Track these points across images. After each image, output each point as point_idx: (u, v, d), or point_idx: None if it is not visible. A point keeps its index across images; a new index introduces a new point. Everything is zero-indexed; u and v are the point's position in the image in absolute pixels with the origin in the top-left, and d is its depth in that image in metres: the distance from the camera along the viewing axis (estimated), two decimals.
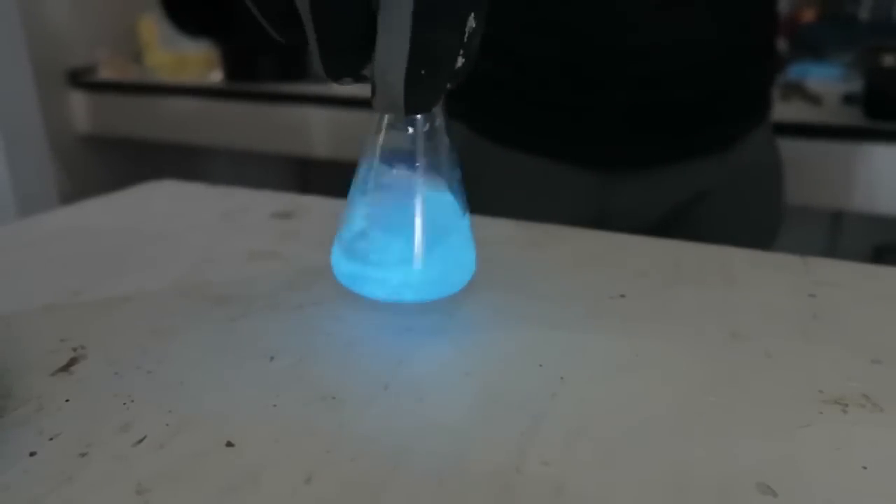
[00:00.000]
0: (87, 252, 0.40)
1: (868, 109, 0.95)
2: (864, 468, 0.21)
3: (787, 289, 0.34)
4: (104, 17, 1.59)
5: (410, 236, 0.28)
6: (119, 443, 0.22)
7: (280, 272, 0.36)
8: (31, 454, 0.21)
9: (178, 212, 0.48)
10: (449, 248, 0.29)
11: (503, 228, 0.44)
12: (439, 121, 0.27)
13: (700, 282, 0.35)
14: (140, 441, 0.22)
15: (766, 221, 0.63)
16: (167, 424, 0.23)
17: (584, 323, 0.31)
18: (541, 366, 0.27)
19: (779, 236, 0.65)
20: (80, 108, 1.56)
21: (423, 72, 0.22)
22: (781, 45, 1.31)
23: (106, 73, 1.57)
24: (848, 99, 1.01)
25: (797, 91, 1.10)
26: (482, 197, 0.40)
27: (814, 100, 1.05)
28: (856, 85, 1.02)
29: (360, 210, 0.28)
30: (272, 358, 0.27)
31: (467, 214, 0.29)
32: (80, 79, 1.55)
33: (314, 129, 1.33)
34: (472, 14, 0.23)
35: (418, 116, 0.27)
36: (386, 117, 0.27)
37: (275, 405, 0.24)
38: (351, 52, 0.22)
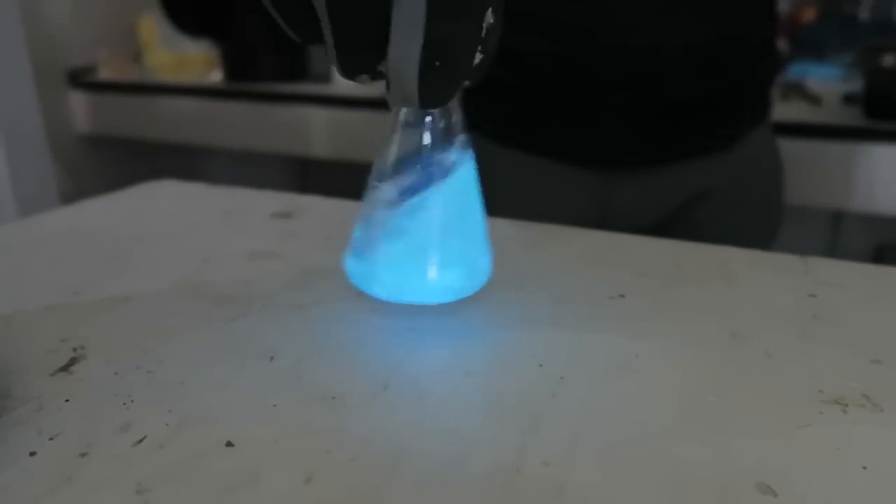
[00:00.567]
0: (87, 252, 0.40)
1: (868, 109, 0.95)
2: (864, 468, 0.21)
3: (787, 289, 0.34)
4: (104, 17, 1.59)
5: (428, 240, 0.27)
6: (119, 443, 0.22)
7: (280, 272, 0.36)
8: (31, 454, 0.21)
9: (178, 212, 0.48)
10: (466, 250, 0.28)
11: (504, 228, 0.44)
12: (456, 117, 0.27)
13: (700, 282, 0.35)
14: (140, 441, 0.22)
15: (767, 221, 0.63)
16: (167, 424, 0.23)
17: (584, 323, 0.31)
18: (541, 366, 0.27)
19: (779, 236, 0.65)
20: (80, 108, 1.56)
21: (437, 64, 0.21)
22: (781, 44, 1.31)
23: (106, 73, 1.57)
24: (848, 99, 1.01)
25: (797, 91, 1.10)
26: (483, 195, 0.40)
27: (814, 100, 1.05)
28: (856, 85, 1.02)
29: (375, 211, 0.28)
30: (272, 358, 0.27)
31: (485, 216, 0.29)
32: (80, 79, 1.55)
33: (314, 129, 1.33)
34: (490, 10, 0.23)
35: (434, 111, 0.26)
36: (401, 115, 0.27)
37: (275, 405, 0.24)
38: (367, 50, 0.22)
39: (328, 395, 0.25)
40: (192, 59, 1.54)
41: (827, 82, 1.18)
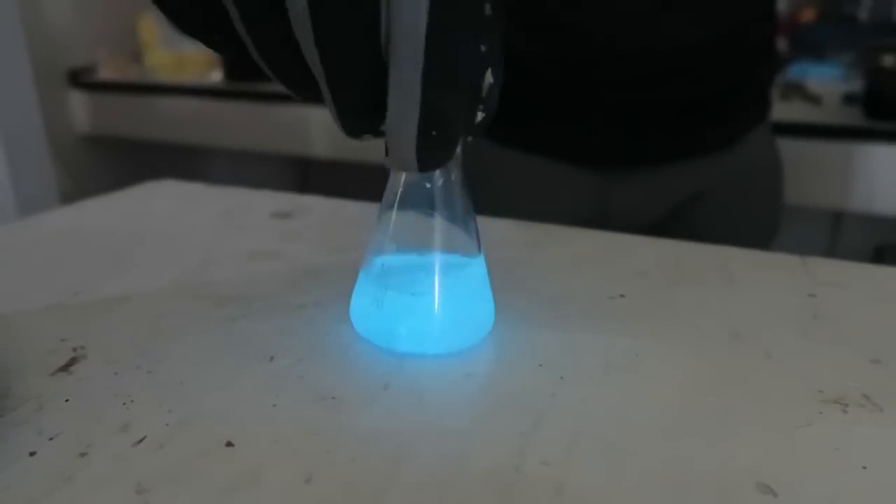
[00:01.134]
0: (87, 252, 0.40)
1: (868, 109, 0.95)
2: (864, 468, 0.21)
3: (787, 289, 0.34)
4: (104, 17, 1.59)
5: (429, 296, 0.27)
6: (119, 443, 0.22)
7: (280, 272, 0.36)
8: (31, 454, 0.21)
9: (178, 212, 0.48)
10: (468, 302, 0.28)
11: (503, 228, 0.44)
12: (455, 174, 0.27)
13: (700, 282, 0.35)
14: (140, 441, 0.22)
15: (766, 221, 0.63)
16: (167, 424, 0.23)
17: (584, 323, 0.31)
18: (541, 366, 0.27)
19: (779, 236, 0.65)
20: (79, 108, 1.56)
21: (434, 132, 0.21)
22: (781, 44, 1.31)
23: (106, 73, 1.57)
24: (848, 99, 1.01)
25: (797, 91, 1.10)
26: (483, 195, 0.40)
27: (814, 100, 1.05)
28: (856, 85, 1.02)
29: (378, 263, 0.28)
30: (272, 358, 0.27)
31: (486, 269, 0.29)
32: (80, 79, 1.55)
33: (314, 129, 1.33)
34: (489, 70, 0.23)
35: (434, 172, 0.27)
36: (401, 174, 0.27)
37: (275, 405, 0.24)
38: (367, 113, 0.22)
39: (328, 395, 0.25)
40: (192, 59, 1.54)
41: (827, 82, 1.18)
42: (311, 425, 0.23)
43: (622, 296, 0.33)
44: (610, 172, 0.57)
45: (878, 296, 0.34)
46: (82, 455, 0.21)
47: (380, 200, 0.28)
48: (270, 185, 0.57)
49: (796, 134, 0.95)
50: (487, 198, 0.49)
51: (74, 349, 0.28)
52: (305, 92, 0.23)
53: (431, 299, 0.27)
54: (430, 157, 0.22)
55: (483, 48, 0.22)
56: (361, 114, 0.22)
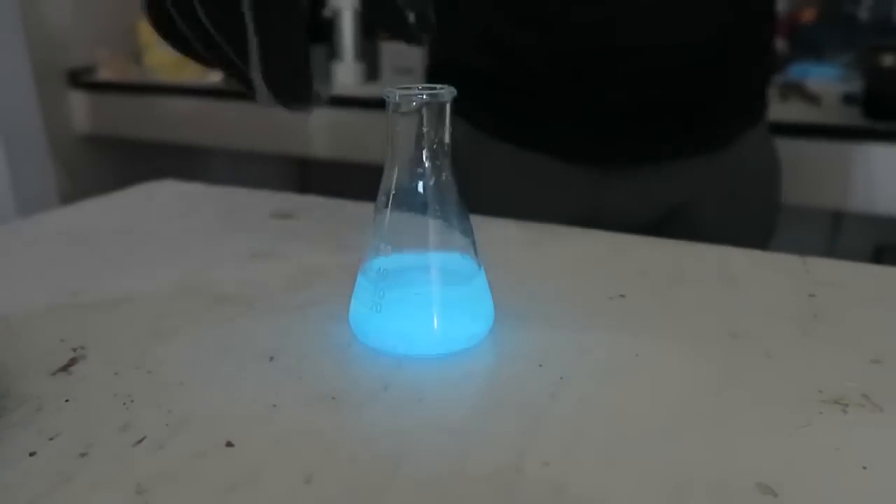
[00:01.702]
0: (87, 252, 0.40)
1: (867, 109, 0.95)
2: (864, 468, 0.21)
3: (787, 289, 0.34)
4: (104, 17, 1.59)
5: (427, 297, 0.27)
6: (119, 443, 0.22)
7: (280, 272, 0.36)
8: (31, 454, 0.21)
9: (178, 212, 0.48)
10: (466, 303, 0.28)
11: (503, 228, 0.44)
12: (447, 174, 0.27)
13: (700, 282, 0.35)
14: (140, 441, 0.22)
15: (762, 222, 0.63)
16: (167, 424, 0.23)
17: (584, 323, 0.31)
18: (541, 366, 0.27)
19: (779, 236, 0.65)
20: (79, 108, 1.56)
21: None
22: (781, 44, 1.31)
23: (106, 74, 1.56)
24: (847, 99, 1.01)
25: (797, 91, 1.10)
26: (478, 190, 0.40)
27: (813, 100, 1.05)
28: (855, 85, 1.02)
29: (375, 267, 0.28)
30: (272, 358, 0.27)
31: (482, 267, 0.29)
32: (80, 79, 1.54)
33: (314, 129, 1.33)
34: None
35: (426, 168, 0.27)
36: (395, 172, 0.27)
37: (275, 405, 0.24)
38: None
39: (328, 395, 0.25)
40: None
41: (826, 82, 1.18)
42: (311, 425, 0.23)
43: (622, 296, 0.33)
44: (603, 170, 0.57)
45: (878, 296, 0.34)
46: (82, 455, 0.21)
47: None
48: (270, 185, 0.57)
49: (796, 134, 0.95)
50: (483, 191, 0.49)
51: (74, 349, 0.28)
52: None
53: (429, 301, 0.27)
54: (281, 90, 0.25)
55: None
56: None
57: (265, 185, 0.56)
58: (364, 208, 0.48)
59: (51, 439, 0.22)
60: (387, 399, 0.25)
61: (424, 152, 0.27)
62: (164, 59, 1.56)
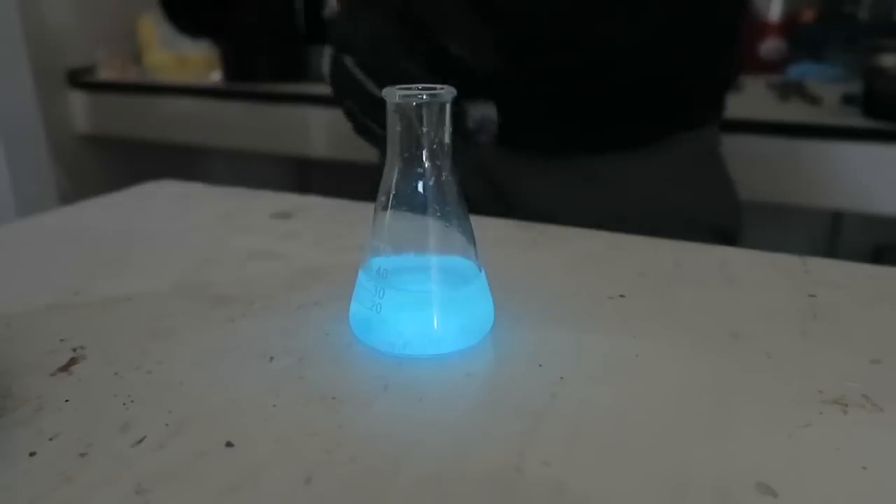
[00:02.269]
0: (87, 252, 0.40)
1: (867, 109, 0.95)
2: (864, 468, 0.21)
3: (787, 289, 0.34)
4: (104, 17, 1.59)
5: (426, 297, 0.27)
6: (119, 443, 0.22)
7: (280, 272, 0.36)
8: (31, 454, 0.21)
9: (178, 212, 0.48)
10: (465, 302, 0.28)
11: (503, 228, 0.44)
12: (447, 174, 0.27)
13: (700, 282, 0.35)
14: (140, 441, 0.22)
15: (688, 218, 0.62)
16: (167, 424, 0.23)
17: (584, 323, 0.31)
18: (541, 366, 0.27)
19: (779, 236, 0.65)
20: (79, 108, 1.56)
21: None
22: (780, 45, 1.31)
23: (105, 74, 1.56)
24: (847, 99, 1.01)
25: (797, 91, 1.10)
26: None
27: (813, 100, 1.05)
28: (855, 85, 1.02)
29: (374, 267, 0.28)
30: (272, 358, 0.27)
31: (482, 268, 0.29)
32: (80, 79, 1.54)
33: (314, 129, 1.33)
34: None
35: (426, 168, 0.27)
36: (395, 173, 0.27)
37: (275, 405, 0.24)
38: None
39: (328, 395, 0.25)
40: (191, 60, 1.54)
41: (826, 82, 1.18)
42: (311, 425, 0.23)
43: (622, 296, 0.33)
44: (523, 157, 0.58)
45: (878, 296, 0.34)
46: (82, 455, 0.21)
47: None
48: (270, 185, 0.57)
49: (796, 134, 0.95)
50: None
51: (74, 349, 0.28)
52: None
53: (429, 301, 0.27)
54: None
55: None
56: None
57: (265, 185, 0.56)
58: (364, 208, 0.47)
59: (51, 439, 0.22)
60: (387, 399, 0.25)
61: (424, 152, 0.27)
62: (163, 59, 1.56)
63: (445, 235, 0.28)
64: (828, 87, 1.12)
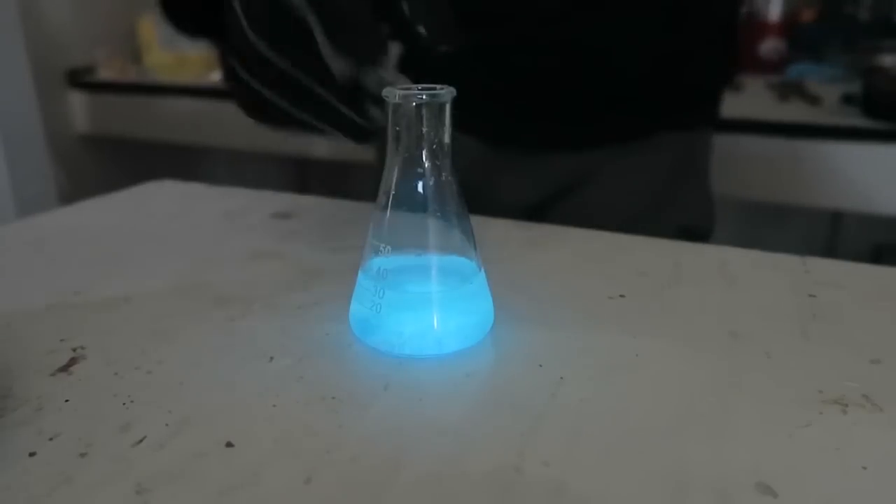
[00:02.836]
0: (87, 252, 0.40)
1: (867, 109, 0.95)
2: (864, 468, 0.21)
3: (787, 289, 0.34)
4: (104, 17, 1.59)
5: (427, 297, 0.27)
6: (119, 443, 0.22)
7: (280, 272, 0.36)
8: (31, 454, 0.21)
9: (178, 212, 0.48)
10: (466, 302, 0.28)
11: (503, 228, 0.44)
12: (446, 174, 0.27)
13: (700, 282, 0.35)
14: (140, 441, 0.22)
15: (663, 214, 0.62)
16: (167, 424, 0.23)
17: (584, 323, 0.31)
18: (541, 366, 0.27)
19: (779, 236, 0.65)
20: (79, 108, 1.56)
21: None
22: (780, 45, 1.31)
23: (105, 74, 1.56)
24: (847, 99, 1.01)
25: (796, 91, 1.10)
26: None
27: (813, 100, 1.05)
28: (855, 85, 1.02)
29: (374, 267, 0.28)
30: (272, 358, 0.27)
31: (482, 267, 0.29)
32: (80, 79, 1.54)
33: None
34: None
35: (426, 168, 0.27)
36: (395, 172, 0.27)
37: (275, 405, 0.24)
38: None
39: (328, 395, 0.25)
40: (191, 60, 1.54)
41: (826, 82, 1.18)
42: (311, 425, 0.23)
43: (622, 296, 0.33)
44: (499, 150, 0.58)
45: (878, 296, 0.34)
46: (82, 455, 0.21)
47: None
48: (270, 185, 0.57)
49: (796, 134, 0.95)
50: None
51: (74, 349, 0.28)
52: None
53: (429, 301, 0.27)
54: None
55: None
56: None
57: (265, 185, 0.56)
58: (364, 208, 0.47)
59: (51, 439, 0.22)
60: (387, 399, 0.25)
61: (424, 152, 0.27)
62: (163, 60, 1.56)
63: (445, 235, 0.28)
64: (827, 87, 1.12)
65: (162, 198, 0.52)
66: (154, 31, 1.56)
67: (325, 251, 0.40)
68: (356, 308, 0.29)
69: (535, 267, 0.38)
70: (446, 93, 0.26)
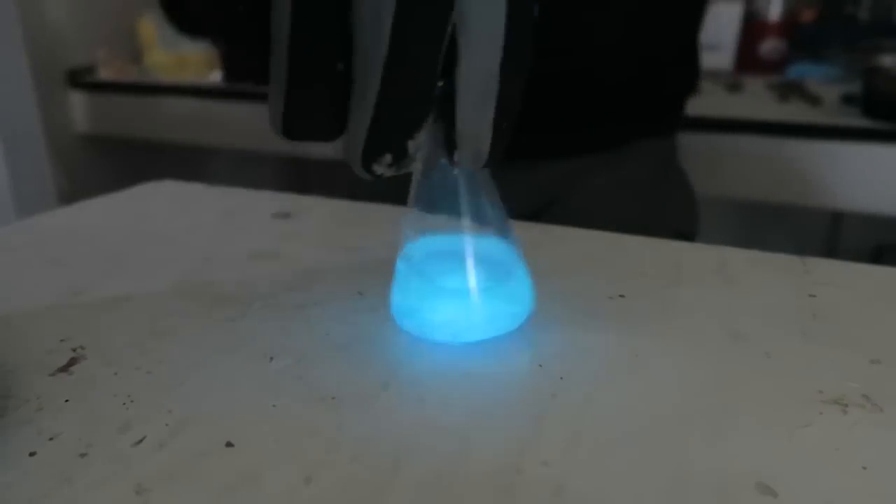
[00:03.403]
0: (87, 252, 0.40)
1: (867, 109, 0.95)
2: (864, 468, 0.21)
3: (787, 289, 0.34)
4: (104, 17, 1.59)
5: (467, 284, 0.27)
6: (119, 443, 0.22)
7: (280, 272, 0.36)
8: (31, 454, 0.21)
9: (178, 212, 0.48)
10: (507, 289, 0.28)
11: None
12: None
13: (700, 282, 0.35)
14: (140, 441, 0.22)
15: (646, 220, 0.62)
16: (167, 424, 0.23)
17: (584, 323, 0.31)
18: (541, 366, 0.27)
19: (779, 236, 0.65)
20: (79, 108, 1.56)
21: (504, 123, 0.21)
22: (780, 45, 1.31)
23: (105, 74, 1.57)
24: (847, 99, 1.01)
25: (797, 91, 1.10)
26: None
27: (813, 100, 1.05)
28: (855, 85, 1.02)
29: (418, 255, 0.28)
30: (272, 358, 0.27)
31: (522, 257, 0.29)
32: (80, 79, 1.54)
33: None
34: None
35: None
36: (423, 180, 0.27)
37: (274, 405, 0.24)
38: (325, 108, 0.20)
39: (328, 395, 0.25)
40: (191, 60, 1.54)
41: (826, 82, 1.18)
42: (311, 425, 0.23)
43: (622, 296, 0.33)
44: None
45: (878, 296, 0.34)
46: (82, 455, 0.21)
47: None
48: (270, 185, 0.57)
49: (796, 134, 0.95)
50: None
51: (74, 349, 0.28)
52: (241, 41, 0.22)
53: (479, 286, 0.27)
54: (499, 148, 0.22)
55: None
56: (319, 107, 0.20)
57: (265, 185, 0.56)
58: (364, 208, 0.48)
59: (51, 439, 0.22)
60: (387, 399, 0.25)
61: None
62: (163, 59, 1.56)
63: (484, 220, 0.27)
64: (827, 87, 1.12)
65: (162, 198, 0.52)
66: (154, 31, 1.56)
67: (325, 251, 0.40)
68: (400, 299, 0.29)
69: (534, 267, 0.38)
70: None
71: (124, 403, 0.24)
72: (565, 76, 0.54)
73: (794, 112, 1.00)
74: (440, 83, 0.21)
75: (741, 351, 0.28)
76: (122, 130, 1.56)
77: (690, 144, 0.71)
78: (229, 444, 0.22)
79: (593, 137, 0.58)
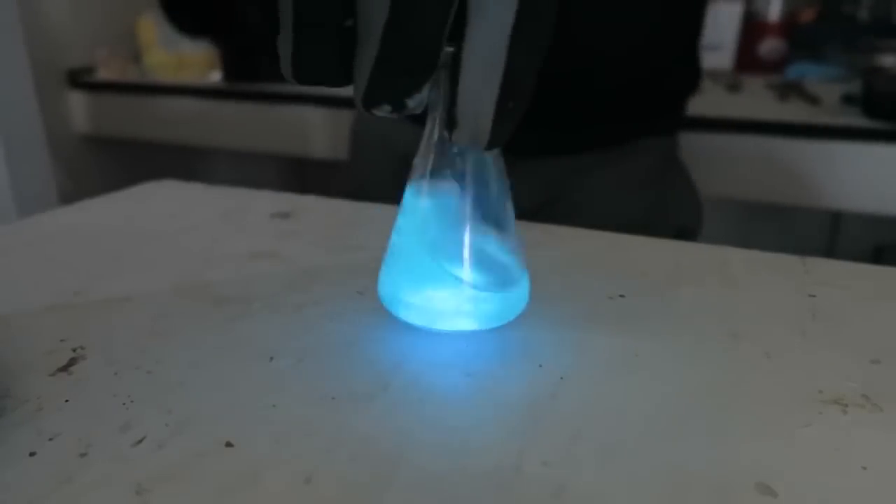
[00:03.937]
0: (87, 252, 0.40)
1: (867, 109, 0.95)
2: (864, 468, 0.21)
3: (787, 289, 0.34)
4: (104, 17, 1.59)
5: (470, 270, 0.27)
6: (119, 443, 0.22)
7: (280, 272, 0.36)
8: (31, 454, 0.21)
9: (178, 212, 0.48)
10: (503, 275, 0.28)
11: None
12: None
13: (700, 282, 0.35)
14: (140, 441, 0.22)
15: (644, 220, 0.62)
16: (167, 424, 0.23)
17: (584, 323, 0.31)
18: (541, 366, 0.27)
19: (779, 236, 0.65)
20: (79, 108, 1.56)
21: (510, 104, 0.20)
22: (780, 45, 1.31)
23: (105, 74, 1.56)
24: (847, 99, 1.01)
25: (796, 91, 1.10)
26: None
27: (813, 100, 1.05)
28: (855, 85, 1.02)
29: (410, 237, 0.28)
30: (272, 358, 0.27)
31: (521, 242, 0.29)
32: (80, 79, 1.54)
33: (314, 129, 1.33)
34: None
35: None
36: (433, 146, 0.26)
37: (274, 405, 0.24)
38: (421, 71, 0.19)
39: (328, 395, 0.25)
40: (191, 60, 1.54)
41: (826, 82, 1.18)
42: (310, 425, 0.23)
43: (622, 296, 0.33)
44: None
45: (878, 296, 0.34)
46: (82, 455, 0.21)
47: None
48: (270, 185, 0.57)
49: (796, 134, 0.95)
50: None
51: (74, 349, 0.28)
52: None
53: (473, 273, 0.27)
54: (503, 130, 0.21)
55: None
56: (413, 71, 0.20)
57: (265, 185, 0.56)
58: (364, 208, 0.48)
59: (51, 439, 0.22)
60: (387, 399, 0.25)
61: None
62: (163, 59, 1.56)
63: (486, 207, 0.27)
64: (827, 86, 1.12)
65: (162, 198, 0.52)
66: (154, 31, 1.56)
67: (325, 251, 0.40)
68: (390, 284, 0.29)
69: (534, 266, 0.38)
70: None
71: (124, 403, 0.24)
72: (568, 75, 0.54)
73: (794, 112, 1.00)
74: (450, 48, 0.20)
75: (741, 351, 0.28)
76: (122, 130, 1.56)
77: (690, 144, 0.71)
78: (229, 444, 0.22)
79: (595, 135, 0.58)
